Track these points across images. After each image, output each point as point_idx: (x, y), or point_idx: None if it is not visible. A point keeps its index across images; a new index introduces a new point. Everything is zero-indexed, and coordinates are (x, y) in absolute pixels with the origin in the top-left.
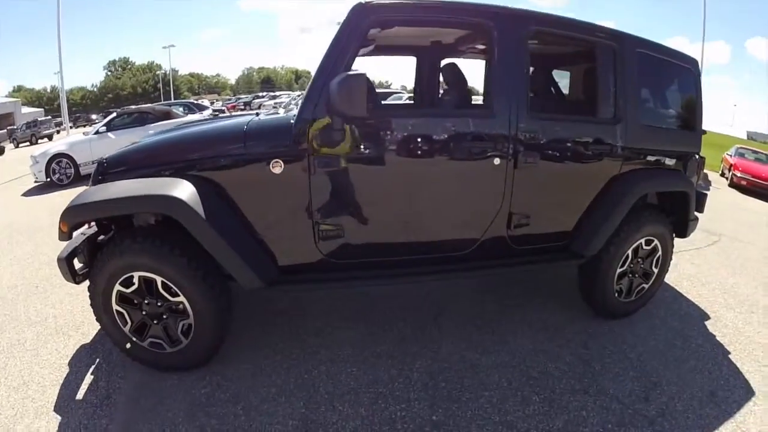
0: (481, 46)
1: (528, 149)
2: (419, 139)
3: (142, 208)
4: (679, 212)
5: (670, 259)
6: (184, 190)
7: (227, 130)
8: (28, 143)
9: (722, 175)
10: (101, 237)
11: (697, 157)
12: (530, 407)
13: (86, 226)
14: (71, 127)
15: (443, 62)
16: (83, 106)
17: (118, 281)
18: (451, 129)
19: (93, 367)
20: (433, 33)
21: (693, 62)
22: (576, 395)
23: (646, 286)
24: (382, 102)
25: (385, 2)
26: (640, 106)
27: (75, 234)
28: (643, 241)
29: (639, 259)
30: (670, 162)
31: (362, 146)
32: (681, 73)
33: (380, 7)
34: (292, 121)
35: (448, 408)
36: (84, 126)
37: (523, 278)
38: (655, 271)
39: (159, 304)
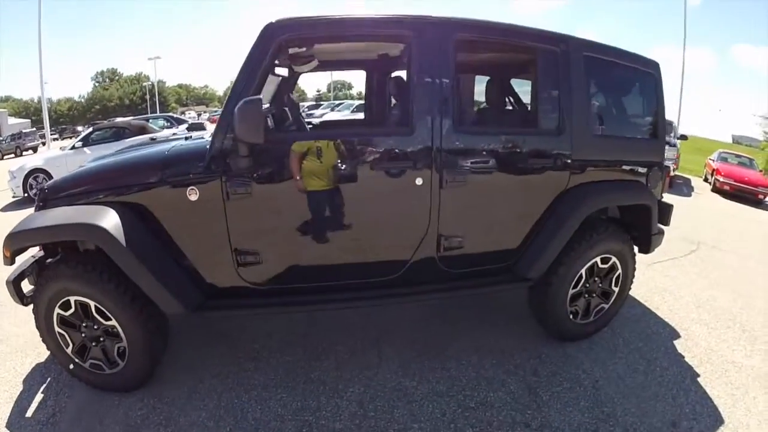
0: None
1: (454, 167)
2: (330, 161)
3: (69, 236)
4: (641, 227)
5: (632, 276)
6: (107, 217)
7: (149, 158)
8: (12, 155)
9: (705, 180)
10: (49, 260)
11: (657, 168)
12: None
13: (36, 248)
14: (56, 139)
15: (391, 75)
16: (70, 118)
17: (57, 304)
18: (366, 149)
19: (44, 386)
20: (379, 46)
21: (654, 66)
22: (515, 428)
23: (606, 306)
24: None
25: (295, 21)
26: (590, 115)
27: (26, 256)
28: (598, 259)
29: (596, 279)
30: (629, 173)
31: (270, 171)
32: (641, 78)
33: (290, 25)
34: (207, 147)
35: None
36: (70, 138)
37: (476, 298)
38: (615, 290)
39: (95, 327)
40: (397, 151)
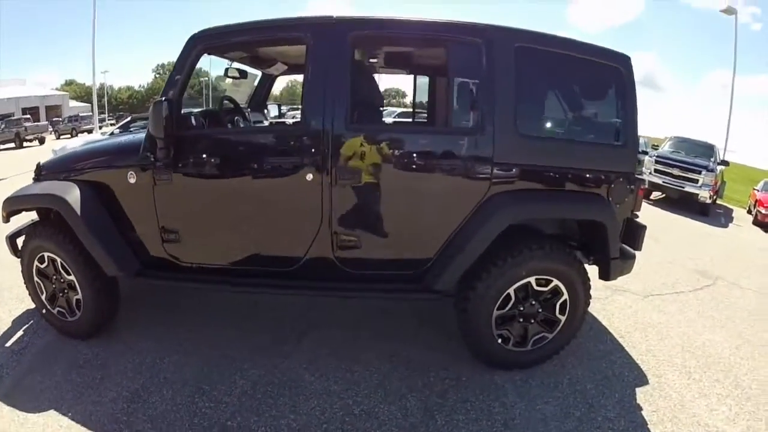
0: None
1: (344, 165)
2: (230, 156)
3: (42, 204)
4: (598, 248)
5: (585, 305)
6: (70, 191)
7: (108, 145)
8: (69, 136)
9: (749, 211)
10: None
11: (625, 179)
12: None
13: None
14: (113, 125)
15: None
16: (130, 106)
17: (35, 258)
18: (264, 144)
19: (26, 326)
20: (368, 52)
21: (622, 60)
22: None
23: (549, 335)
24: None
25: (212, 31)
26: (518, 114)
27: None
28: (532, 280)
29: (532, 302)
30: (580, 183)
31: (184, 163)
32: (602, 74)
33: (208, 36)
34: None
35: (248, 418)
36: None
37: (422, 307)
38: (561, 318)
39: (61, 280)
40: (289, 145)
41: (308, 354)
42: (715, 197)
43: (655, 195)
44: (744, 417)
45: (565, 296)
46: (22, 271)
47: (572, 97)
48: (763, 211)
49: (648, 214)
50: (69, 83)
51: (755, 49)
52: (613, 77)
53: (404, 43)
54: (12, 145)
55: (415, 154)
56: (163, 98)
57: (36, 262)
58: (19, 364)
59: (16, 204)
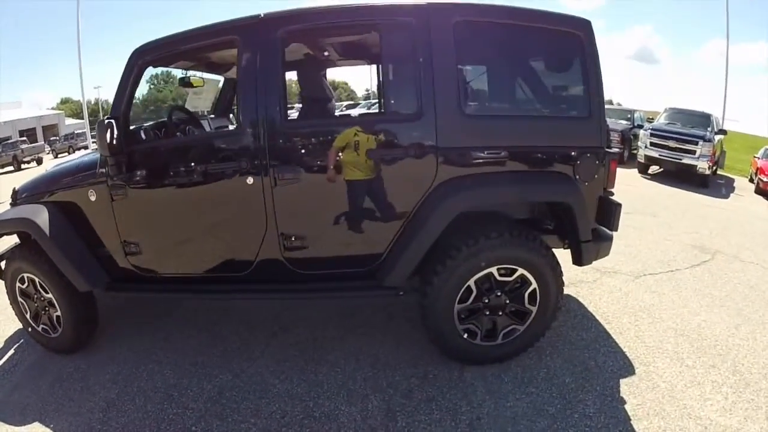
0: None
1: (285, 164)
2: (172, 166)
3: (14, 228)
4: (569, 231)
5: (558, 293)
6: (39, 214)
7: (69, 166)
8: (66, 153)
9: (751, 180)
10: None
11: (593, 154)
12: None
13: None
14: None
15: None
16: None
17: (17, 279)
18: (202, 151)
19: (17, 345)
20: (302, 47)
21: (581, 25)
22: None
23: (521, 327)
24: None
25: (151, 45)
26: (464, 93)
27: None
28: (494, 270)
29: (498, 294)
30: (541, 162)
31: (133, 177)
32: (559, 41)
33: (148, 50)
34: None
35: (211, 423)
36: None
37: (393, 301)
38: (533, 309)
39: (42, 298)
40: (228, 152)
41: (276, 356)
42: (714, 168)
43: (653, 169)
44: (741, 406)
45: (534, 285)
46: (6, 293)
47: (527, 70)
48: (765, 179)
49: (646, 189)
50: (65, 101)
51: (752, 15)
52: (572, 45)
53: (338, 33)
54: (11, 168)
55: (358, 146)
56: (106, 118)
57: (18, 283)
58: (9, 381)
59: None
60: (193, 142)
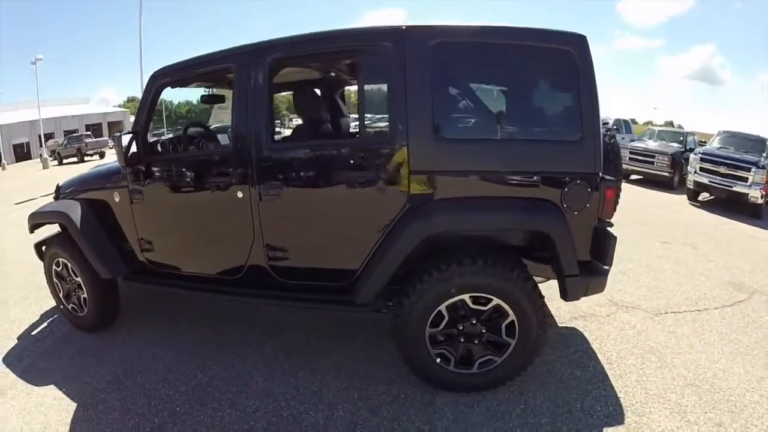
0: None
1: (269, 181)
2: (178, 177)
3: (52, 219)
4: (554, 263)
5: (540, 327)
6: (74, 209)
7: (102, 170)
8: None
9: None
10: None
11: (584, 181)
12: None
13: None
14: None
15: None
16: (188, 120)
17: (53, 262)
18: (203, 165)
19: (50, 319)
20: (321, 66)
21: (574, 41)
22: None
23: (498, 359)
24: None
25: (166, 69)
26: (439, 116)
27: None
28: (466, 297)
29: (473, 322)
30: (524, 187)
31: (149, 184)
32: (548, 60)
33: (163, 74)
34: None
35: (193, 407)
36: None
37: (380, 321)
38: (511, 342)
39: (73, 281)
40: (223, 166)
41: (266, 356)
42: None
43: (704, 196)
44: None
45: (512, 317)
46: (44, 273)
47: (512, 90)
48: None
49: (691, 217)
50: (131, 100)
51: None
52: (563, 62)
53: (322, 59)
54: (74, 159)
55: (331, 167)
56: (121, 132)
57: (54, 266)
58: (38, 349)
59: (35, 219)
60: (194, 157)
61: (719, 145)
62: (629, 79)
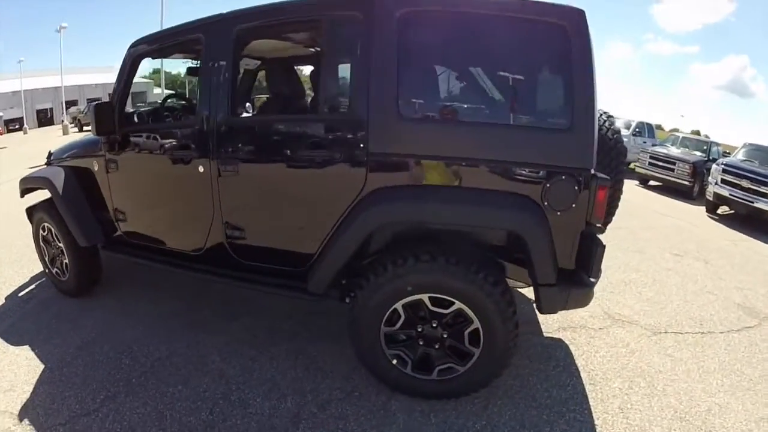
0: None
1: (227, 156)
2: (146, 148)
3: (36, 185)
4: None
5: (508, 339)
6: (58, 175)
7: (88, 138)
8: None
9: None
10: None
11: (570, 177)
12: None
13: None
14: None
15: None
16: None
17: (40, 227)
18: (169, 137)
19: (38, 282)
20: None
21: (569, 15)
22: None
23: (460, 368)
24: None
25: (144, 40)
26: (404, 93)
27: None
28: (425, 297)
29: (433, 324)
30: (498, 179)
31: (122, 154)
32: (537, 34)
33: (140, 44)
34: None
35: (149, 379)
36: None
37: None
38: (474, 351)
39: (57, 246)
40: (186, 140)
41: (231, 336)
42: None
43: (723, 209)
44: None
45: (476, 324)
46: (33, 237)
47: (491, 68)
48: None
49: (708, 231)
50: (156, 72)
51: None
52: (554, 39)
53: (291, 28)
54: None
55: (289, 145)
56: (98, 103)
57: (41, 231)
58: (21, 310)
59: (25, 183)
60: (162, 128)
61: (743, 158)
62: (658, 84)
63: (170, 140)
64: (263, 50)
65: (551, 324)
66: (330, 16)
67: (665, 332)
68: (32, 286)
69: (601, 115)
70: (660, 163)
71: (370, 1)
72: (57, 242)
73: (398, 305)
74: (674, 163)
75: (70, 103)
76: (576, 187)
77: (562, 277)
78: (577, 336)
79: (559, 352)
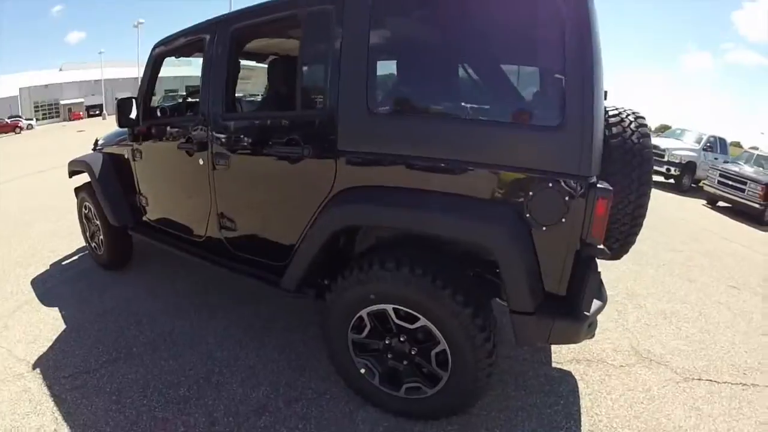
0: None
1: (220, 150)
2: (162, 141)
3: (79, 168)
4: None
5: (479, 367)
6: (96, 160)
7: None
8: None
9: None
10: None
11: (558, 185)
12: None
13: None
14: None
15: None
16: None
17: (83, 205)
18: (176, 131)
19: (82, 254)
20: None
21: None
22: (200, 423)
23: (429, 391)
24: None
25: (164, 41)
26: (374, 86)
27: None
28: (390, 309)
29: (401, 339)
30: (471, 185)
31: (144, 145)
32: (524, 12)
33: (162, 44)
34: None
35: (145, 350)
36: None
37: None
38: (442, 374)
39: (95, 223)
40: (189, 133)
41: (230, 322)
42: None
43: None
44: None
45: (444, 347)
46: (77, 214)
47: (472, 55)
48: None
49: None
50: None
51: None
52: (544, 19)
53: (277, 26)
54: None
55: (269, 141)
56: (124, 98)
57: (83, 209)
58: (60, 276)
59: (71, 166)
60: (174, 122)
61: None
62: (738, 97)
63: (180, 134)
64: (256, 48)
65: (565, 354)
66: (306, 11)
67: (698, 379)
68: (75, 257)
69: (627, 115)
70: (729, 182)
71: None
72: (95, 220)
73: (363, 313)
74: (745, 183)
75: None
76: (566, 198)
77: (549, 305)
78: (591, 371)
79: (563, 388)
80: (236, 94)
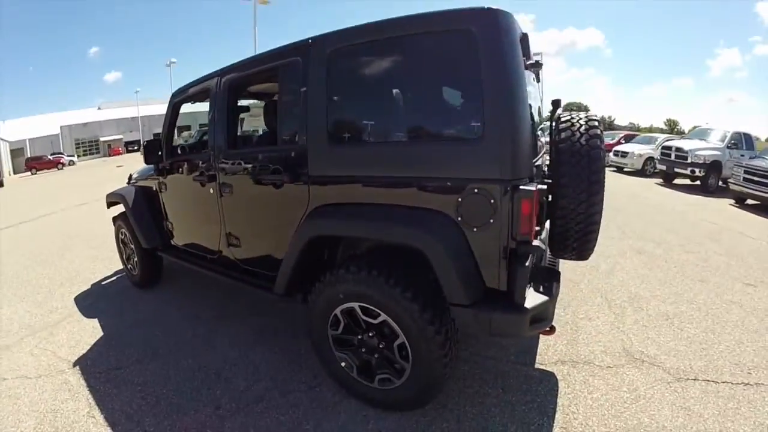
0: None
1: (224, 181)
2: (181, 174)
3: (116, 199)
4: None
5: (434, 360)
6: (129, 193)
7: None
8: None
9: None
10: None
11: (483, 189)
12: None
13: None
14: None
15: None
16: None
17: (119, 232)
18: (194, 166)
19: (119, 276)
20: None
21: (476, 19)
22: (204, 407)
23: (397, 382)
24: None
25: (180, 89)
26: (333, 121)
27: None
28: (357, 306)
29: (371, 334)
30: (410, 195)
31: (165, 179)
32: (443, 45)
33: (177, 93)
34: None
35: (170, 351)
36: None
37: None
38: (406, 365)
39: (130, 247)
40: (202, 167)
41: (245, 327)
42: None
43: None
44: None
45: (402, 339)
46: (115, 239)
47: (408, 86)
48: None
49: None
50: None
51: None
52: (461, 45)
53: (260, 77)
54: None
55: (260, 172)
56: (145, 139)
57: (120, 235)
58: (101, 293)
59: (109, 198)
60: (189, 158)
61: None
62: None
63: (194, 168)
64: (251, 93)
65: (551, 355)
66: (282, 63)
67: (694, 379)
68: (114, 278)
69: (578, 120)
70: (756, 178)
71: (306, 47)
72: (130, 244)
73: (337, 311)
74: None
75: (183, 128)
76: (492, 201)
77: (489, 300)
78: (575, 372)
79: (541, 387)
80: (237, 132)
